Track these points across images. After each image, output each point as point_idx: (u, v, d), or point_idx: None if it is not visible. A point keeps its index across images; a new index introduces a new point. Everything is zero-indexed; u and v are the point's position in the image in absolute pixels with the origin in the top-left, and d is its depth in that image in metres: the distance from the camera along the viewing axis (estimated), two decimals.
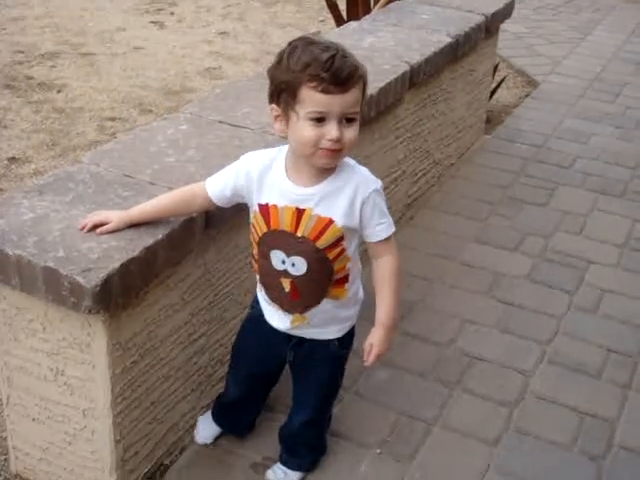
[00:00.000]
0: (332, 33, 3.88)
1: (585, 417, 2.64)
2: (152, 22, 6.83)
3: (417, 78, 3.38)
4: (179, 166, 2.35)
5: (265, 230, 1.96)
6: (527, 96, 5.48)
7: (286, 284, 1.99)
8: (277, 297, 2.05)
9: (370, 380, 2.74)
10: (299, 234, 1.92)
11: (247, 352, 2.26)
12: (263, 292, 2.10)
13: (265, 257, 2.00)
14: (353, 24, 3.86)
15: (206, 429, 2.44)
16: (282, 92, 1.82)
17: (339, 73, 1.75)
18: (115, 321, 1.99)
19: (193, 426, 2.46)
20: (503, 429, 2.57)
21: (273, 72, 1.85)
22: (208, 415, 2.45)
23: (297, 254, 1.94)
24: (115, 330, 2.00)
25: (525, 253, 3.55)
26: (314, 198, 1.90)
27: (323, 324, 2.08)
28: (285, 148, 1.97)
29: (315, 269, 1.95)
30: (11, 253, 1.92)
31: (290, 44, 1.84)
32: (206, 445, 2.43)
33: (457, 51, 3.78)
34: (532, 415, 2.64)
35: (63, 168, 2.37)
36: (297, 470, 2.34)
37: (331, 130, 1.78)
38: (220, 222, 2.25)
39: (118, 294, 1.93)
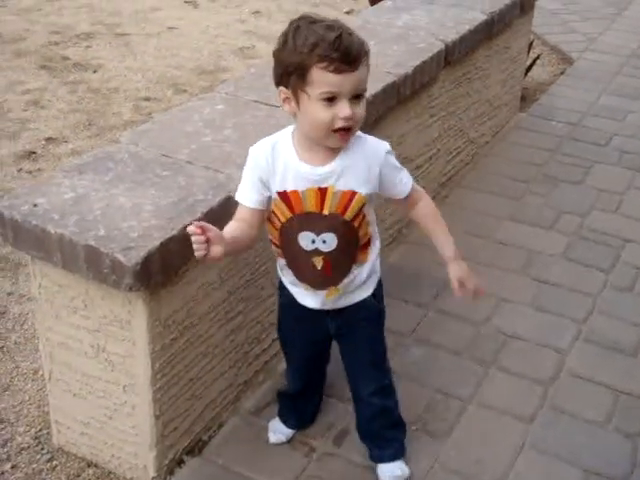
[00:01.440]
0: (366, 12, 3.87)
1: (620, 395, 2.63)
2: (186, 2, 6.85)
3: (452, 56, 3.36)
4: (216, 145, 2.37)
5: (289, 215, 1.95)
6: (562, 73, 5.42)
7: (318, 262, 1.99)
8: (308, 276, 2.05)
9: (405, 357, 2.75)
10: (325, 212, 1.92)
11: (293, 338, 2.26)
12: (290, 275, 2.09)
13: (292, 242, 1.98)
14: (387, 2, 3.84)
15: (278, 431, 2.41)
16: (291, 74, 1.80)
17: (349, 52, 1.76)
18: (155, 299, 2.02)
19: (230, 402, 2.49)
20: (538, 406, 2.58)
21: (279, 54, 1.84)
22: (277, 419, 2.43)
23: (326, 231, 1.94)
24: (155, 307, 2.03)
25: (560, 231, 3.53)
26: (333, 175, 1.90)
27: (354, 289, 2.09)
28: (288, 130, 1.96)
29: (345, 240, 1.97)
30: (53, 231, 1.96)
31: (292, 24, 1.83)
32: (245, 421, 2.47)
33: (492, 29, 3.76)
34: (567, 393, 2.64)
35: (102, 148, 2.40)
36: (396, 460, 2.30)
37: (343, 108, 1.79)
38: None
39: (158, 272, 1.96)
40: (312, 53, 1.75)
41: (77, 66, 5.38)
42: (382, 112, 2.88)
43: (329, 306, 2.10)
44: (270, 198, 1.96)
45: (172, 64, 5.48)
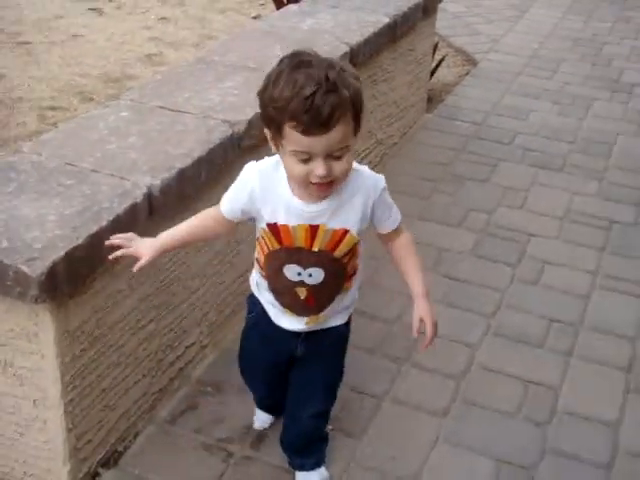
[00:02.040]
0: (272, 16, 3.89)
1: (529, 385, 2.71)
2: (90, 9, 6.74)
3: (357, 59, 3.40)
4: (121, 153, 2.35)
5: (277, 247, 1.91)
6: (467, 74, 5.54)
7: (302, 293, 1.96)
8: (291, 304, 2.01)
9: None
10: (315, 249, 1.88)
11: (257, 357, 2.23)
12: (272, 298, 2.04)
13: (277, 270, 1.94)
14: (293, 7, 3.87)
15: (261, 416, 2.47)
16: (269, 123, 1.75)
17: (319, 114, 1.64)
18: (62, 310, 1.99)
19: (145, 411, 2.47)
20: (451, 400, 2.64)
21: (261, 98, 1.76)
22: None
23: (314, 266, 1.90)
24: (63, 319, 2.00)
25: (468, 228, 3.62)
26: (326, 213, 1.85)
27: (332, 314, 2.07)
28: None
29: (331, 275, 1.93)
30: None
31: (280, 63, 1.74)
32: (161, 429, 2.45)
33: (396, 31, 3.82)
34: (478, 386, 2.71)
35: (3, 158, 2.35)
36: (317, 468, 2.30)
37: (317, 168, 1.71)
38: (164, 208, 2.26)
39: (64, 282, 1.93)
40: (285, 110, 1.66)
41: None
42: None
43: (306, 329, 2.07)
44: (253, 219, 1.94)
45: (77, 72, 5.39)
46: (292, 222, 1.86)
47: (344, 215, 1.86)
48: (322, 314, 2.04)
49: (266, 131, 1.80)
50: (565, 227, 3.67)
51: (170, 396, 2.57)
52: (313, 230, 1.86)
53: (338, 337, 2.15)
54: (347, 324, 2.17)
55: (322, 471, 2.31)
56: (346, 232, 1.88)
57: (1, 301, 1.99)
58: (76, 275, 1.98)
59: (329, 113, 1.64)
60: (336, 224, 1.86)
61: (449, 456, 2.43)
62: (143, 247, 1.95)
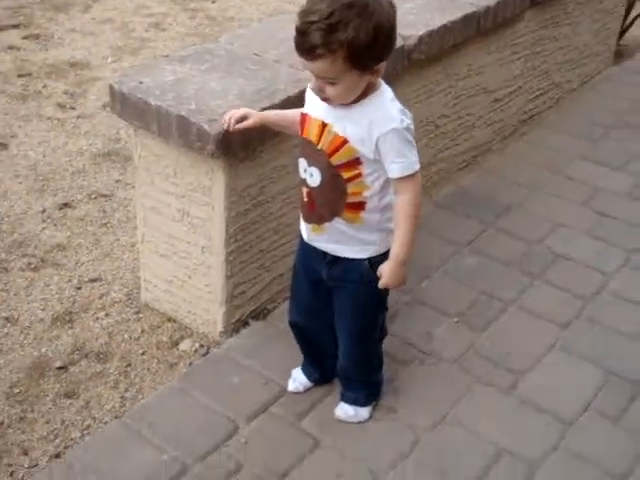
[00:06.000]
0: None
1: None
2: None
3: None
4: None
5: (300, 136, 2.06)
6: None
7: (305, 194, 2.07)
8: (301, 204, 2.13)
9: (459, 263, 3.02)
10: (319, 146, 1.97)
11: (296, 266, 2.30)
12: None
13: (297, 163, 2.09)
14: None
15: (297, 379, 2.45)
16: None
17: (301, 44, 1.79)
18: (233, 170, 2.35)
19: None
20: (575, 316, 2.80)
21: None
22: (299, 369, 2.47)
23: (315, 165, 2.00)
24: (233, 177, 2.36)
25: (629, 173, 3.70)
26: (335, 116, 1.93)
27: (341, 241, 2.08)
28: None
29: (327, 184, 1.99)
30: (153, 103, 2.32)
31: None
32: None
33: None
34: (604, 308, 2.85)
35: (203, 45, 2.74)
36: (353, 404, 2.37)
37: (312, 80, 1.90)
38: None
39: (237, 145, 2.29)
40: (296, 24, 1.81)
41: None
42: (460, 40, 3.12)
43: (316, 244, 2.13)
44: None
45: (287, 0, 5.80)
46: (313, 114, 1.99)
47: (349, 127, 1.92)
48: (322, 226, 2.07)
49: None
50: None
51: None
52: (322, 127, 1.96)
53: (360, 278, 2.11)
54: (374, 268, 2.06)
55: (359, 410, 2.37)
56: (345, 141, 1.94)
57: (186, 157, 2.38)
58: (248, 142, 2.33)
59: (309, 47, 1.78)
60: (339, 130, 1.94)
61: (561, 361, 2.62)
62: (252, 111, 2.19)
